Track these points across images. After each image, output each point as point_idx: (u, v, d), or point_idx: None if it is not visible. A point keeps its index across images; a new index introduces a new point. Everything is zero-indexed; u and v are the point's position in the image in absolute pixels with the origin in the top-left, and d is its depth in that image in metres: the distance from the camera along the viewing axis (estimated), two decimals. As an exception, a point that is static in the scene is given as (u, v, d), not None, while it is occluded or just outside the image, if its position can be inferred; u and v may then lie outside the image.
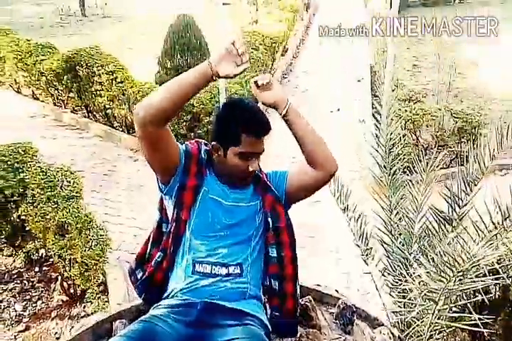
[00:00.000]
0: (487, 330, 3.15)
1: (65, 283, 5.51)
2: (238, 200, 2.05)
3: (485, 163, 3.34)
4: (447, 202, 3.43)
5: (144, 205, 7.07)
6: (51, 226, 5.15)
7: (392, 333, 2.24)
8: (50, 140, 8.91)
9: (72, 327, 5.32)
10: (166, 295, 1.99)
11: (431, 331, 3.35)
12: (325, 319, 2.12)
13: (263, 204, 2.05)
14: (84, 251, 5.01)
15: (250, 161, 2.01)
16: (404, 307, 3.37)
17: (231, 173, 2.05)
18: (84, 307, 5.44)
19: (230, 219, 2.00)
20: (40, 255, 5.65)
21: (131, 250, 6.21)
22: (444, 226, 3.46)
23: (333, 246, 6.10)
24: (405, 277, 3.34)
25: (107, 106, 8.81)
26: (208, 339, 1.66)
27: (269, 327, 1.82)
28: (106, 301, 5.30)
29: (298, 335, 1.92)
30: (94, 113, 9.33)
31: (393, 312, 3.60)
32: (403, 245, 3.66)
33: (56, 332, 5.26)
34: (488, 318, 3.21)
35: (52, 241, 5.18)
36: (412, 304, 3.27)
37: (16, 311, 5.50)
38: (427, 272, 2.93)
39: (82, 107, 9.50)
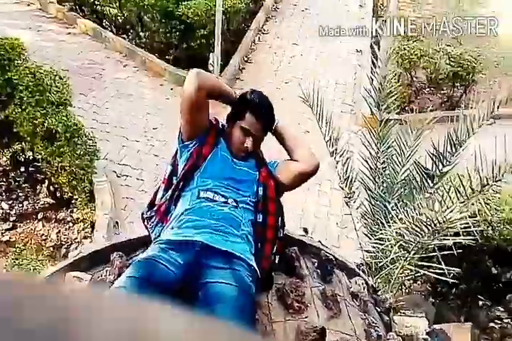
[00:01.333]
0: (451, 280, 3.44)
1: (51, 187, 5.63)
2: (242, 165, 2.33)
3: (473, 126, 3.42)
4: (432, 160, 3.54)
5: (131, 114, 7.08)
6: (39, 131, 5.15)
7: (367, 283, 2.42)
8: (35, 33, 8.52)
9: (59, 230, 5.55)
10: (168, 223, 2.10)
11: (400, 275, 3.63)
12: (307, 267, 2.28)
13: (259, 176, 2.30)
14: (73, 160, 5.08)
15: (247, 139, 2.29)
16: (381, 253, 3.61)
17: (233, 146, 2.32)
18: (71, 212, 5.62)
19: (234, 175, 2.27)
20: (27, 157, 5.67)
21: (118, 160, 6.32)
22: (426, 181, 3.60)
23: (316, 180, 6.27)
24: (383, 224, 3.54)
25: (96, 1, 8.37)
26: (199, 278, 1.85)
27: (258, 271, 1.97)
28: (92, 209, 5.47)
29: (282, 284, 2.07)
30: (82, 7, 8.86)
31: (368, 253, 3.86)
32: (385, 193, 3.83)
33: (43, 234, 5.48)
34: (453, 270, 3.49)
35: (41, 146, 5.21)
36: (387, 251, 3.51)
37: (2, 209, 5.65)
38: (405, 227, 3.12)
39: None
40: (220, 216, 2.06)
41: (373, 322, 2.19)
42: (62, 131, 5.07)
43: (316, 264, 2.31)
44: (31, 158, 5.66)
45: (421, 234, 3.04)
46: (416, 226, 2.87)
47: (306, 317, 2.01)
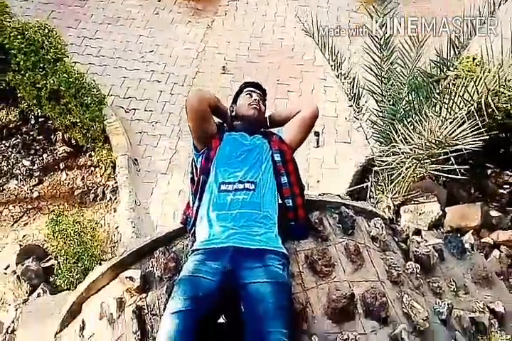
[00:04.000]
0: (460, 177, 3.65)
1: (66, 136, 5.78)
2: (251, 138, 2.57)
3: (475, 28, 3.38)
4: (436, 65, 3.57)
5: (125, 41, 6.89)
6: (44, 94, 5.17)
7: (385, 222, 2.66)
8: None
9: (83, 177, 5.83)
10: (199, 220, 2.34)
11: (411, 176, 3.87)
12: (330, 225, 2.51)
13: (271, 145, 2.53)
14: (83, 114, 5.17)
15: (252, 99, 2.65)
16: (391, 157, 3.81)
17: (242, 114, 2.63)
18: (90, 156, 5.84)
19: (245, 147, 2.51)
20: (36, 114, 5.76)
21: (122, 94, 6.34)
22: (432, 84, 3.65)
23: (322, 75, 6.25)
24: (392, 133, 3.68)
25: None
26: (239, 281, 2.03)
27: (287, 253, 2.22)
28: (109, 150, 5.67)
29: (310, 251, 2.33)
30: None
31: (379, 158, 4.05)
32: (393, 104, 3.91)
33: (68, 183, 5.77)
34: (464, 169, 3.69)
35: (49, 108, 5.27)
36: (396, 153, 3.70)
37: (25, 166, 5.89)
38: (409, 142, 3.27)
39: None
40: (242, 205, 2.27)
41: (393, 263, 2.47)
42: (65, 88, 5.09)
43: (337, 219, 2.54)
44: (40, 114, 5.76)
45: (430, 147, 3.21)
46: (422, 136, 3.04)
47: (334, 277, 2.28)
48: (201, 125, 2.49)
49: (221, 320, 2.17)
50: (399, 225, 2.87)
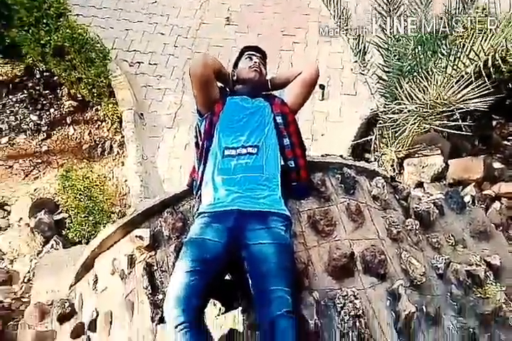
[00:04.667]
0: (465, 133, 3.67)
1: (72, 91, 5.78)
2: (252, 102, 2.61)
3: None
4: (443, 20, 3.50)
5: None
6: (48, 50, 5.14)
7: (386, 181, 2.72)
8: None
9: (90, 131, 5.87)
10: (204, 184, 2.41)
11: (415, 131, 3.90)
12: (332, 185, 2.58)
13: (272, 107, 2.56)
14: (88, 70, 5.15)
15: (252, 62, 2.68)
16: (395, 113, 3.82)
17: (243, 78, 2.66)
18: (97, 110, 5.87)
19: (246, 110, 2.55)
20: (41, 69, 5.74)
21: (126, 47, 6.26)
22: (439, 39, 3.60)
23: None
24: (397, 89, 3.68)
25: None
26: (244, 242, 2.12)
27: (289, 215, 2.31)
28: (115, 104, 5.69)
29: (312, 211, 2.41)
30: None
31: (384, 115, 4.07)
32: (399, 59, 3.87)
33: (76, 138, 5.83)
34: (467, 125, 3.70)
35: (54, 64, 5.25)
36: (401, 110, 3.71)
37: (32, 121, 5.93)
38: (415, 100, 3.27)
39: None
40: (246, 170, 2.33)
41: (393, 222, 2.55)
42: (69, 44, 5.05)
43: (339, 179, 2.60)
44: (45, 69, 5.73)
45: (435, 103, 3.21)
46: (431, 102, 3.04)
47: (336, 236, 2.37)
48: (205, 90, 2.52)
49: (227, 277, 2.29)
50: (400, 183, 2.92)
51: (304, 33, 6.21)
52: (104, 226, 4.45)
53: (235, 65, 2.77)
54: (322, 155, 2.70)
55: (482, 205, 3.65)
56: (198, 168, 2.51)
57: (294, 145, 2.49)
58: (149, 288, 2.48)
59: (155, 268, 2.54)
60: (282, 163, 2.48)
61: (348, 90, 5.56)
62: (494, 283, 2.74)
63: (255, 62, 2.66)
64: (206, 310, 2.16)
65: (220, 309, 2.28)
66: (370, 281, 2.28)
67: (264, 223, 2.19)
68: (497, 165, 4.40)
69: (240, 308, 2.22)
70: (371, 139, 4.54)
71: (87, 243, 4.42)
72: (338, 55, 5.93)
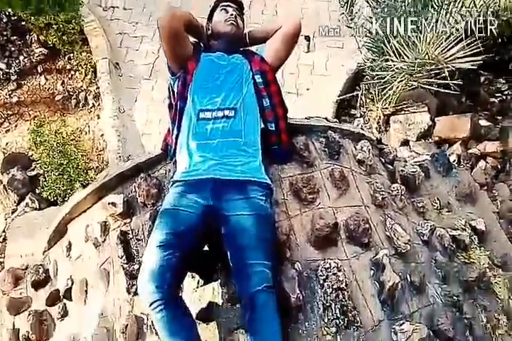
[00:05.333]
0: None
1: (41, 37, 5.43)
2: (229, 59, 2.40)
3: None
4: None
5: None
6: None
7: (372, 144, 2.59)
8: None
9: (63, 81, 5.58)
10: (179, 150, 2.25)
11: (402, 88, 3.74)
12: (315, 149, 2.43)
13: (251, 65, 2.37)
14: (57, 15, 4.81)
15: (228, 14, 2.46)
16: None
17: (218, 32, 2.46)
18: (69, 59, 5.55)
19: (223, 68, 2.35)
20: (6, 13, 5.36)
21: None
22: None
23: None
24: (385, 45, 3.48)
25: None
26: (221, 213, 2.00)
27: (270, 183, 2.18)
28: (89, 53, 5.39)
29: (295, 178, 2.28)
30: None
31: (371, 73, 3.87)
32: (387, 14, 3.62)
33: (49, 88, 5.54)
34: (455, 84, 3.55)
35: (20, 7, 4.83)
36: (389, 67, 3.54)
37: (1, 70, 5.60)
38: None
39: None
40: (223, 135, 2.17)
41: (378, 187, 2.45)
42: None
43: (323, 143, 2.46)
44: (13, 17, 5.35)
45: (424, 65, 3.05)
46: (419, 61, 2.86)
47: (319, 204, 2.27)
48: (175, 45, 2.31)
49: (206, 248, 2.19)
50: (386, 145, 2.79)
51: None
52: (82, 184, 4.31)
53: (210, 18, 2.55)
54: (306, 118, 2.54)
55: (468, 164, 3.56)
56: (172, 132, 2.34)
57: (275, 106, 2.32)
58: (124, 257, 2.38)
59: (130, 236, 2.43)
60: (262, 125, 2.31)
61: (335, 43, 5.29)
62: (478, 248, 2.70)
63: (231, 15, 2.45)
64: (184, 282, 2.08)
65: (198, 282, 2.19)
66: (354, 251, 2.20)
67: (243, 193, 2.06)
68: (483, 122, 4.29)
69: (219, 281, 2.14)
70: (357, 95, 4.37)
71: (62, 202, 4.30)
72: (325, 3, 5.62)
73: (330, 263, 2.06)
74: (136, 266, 2.33)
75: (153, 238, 2.01)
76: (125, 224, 2.48)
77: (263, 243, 1.96)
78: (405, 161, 2.90)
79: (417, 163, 2.92)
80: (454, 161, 3.60)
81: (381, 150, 2.77)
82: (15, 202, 4.67)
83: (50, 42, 5.45)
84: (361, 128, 2.78)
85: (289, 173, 2.35)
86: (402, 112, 4.09)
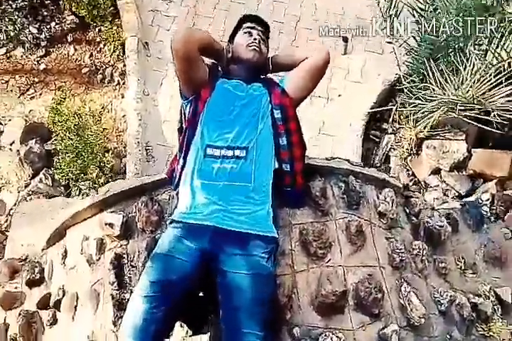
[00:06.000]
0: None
1: (74, 8, 5.23)
2: (247, 89, 2.18)
3: None
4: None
5: None
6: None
7: (397, 191, 2.37)
8: None
9: (91, 54, 5.39)
10: (182, 183, 2.07)
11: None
12: (333, 195, 2.22)
13: (271, 98, 2.16)
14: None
15: (251, 38, 2.23)
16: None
17: (238, 57, 2.24)
18: (100, 31, 5.35)
19: (239, 100, 2.14)
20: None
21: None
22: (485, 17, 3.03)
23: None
24: (426, 71, 3.18)
25: None
26: (218, 265, 1.84)
27: (276, 236, 1.98)
28: (120, 28, 5.18)
29: (306, 228, 2.10)
30: None
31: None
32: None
33: (76, 59, 5.37)
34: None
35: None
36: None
37: (32, 34, 5.45)
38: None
39: None
40: (230, 177, 1.98)
41: (397, 247, 2.25)
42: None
43: (342, 190, 2.26)
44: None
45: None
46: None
47: (329, 261, 2.09)
48: (188, 70, 2.12)
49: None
50: (414, 193, 2.56)
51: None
52: (98, 167, 4.16)
53: (231, 39, 2.34)
54: (326, 158, 2.31)
55: (502, 207, 3.27)
56: (179, 160, 2.16)
57: (293, 145, 2.12)
58: (116, 284, 2.24)
59: (125, 261, 2.29)
60: (276, 165, 2.11)
61: (374, 48, 4.93)
62: (501, 319, 2.48)
63: (255, 39, 2.22)
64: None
65: (187, 331, 2.05)
66: (361, 320, 2.02)
67: (243, 248, 1.88)
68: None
69: (209, 334, 1.99)
70: (391, 109, 4.10)
71: (74, 186, 4.19)
72: (369, 8, 5.18)
73: (332, 338, 1.89)
74: (127, 295, 2.20)
75: (141, 284, 1.87)
76: (121, 246, 2.33)
77: (259, 307, 1.80)
78: (432, 209, 2.68)
79: (445, 212, 2.69)
80: (487, 200, 3.31)
81: (407, 198, 2.54)
82: (29, 175, 4.61)
83: (80, 13, 5.26)
84: (387, 175, 2.53)
85: (301, 220, 2.16)
86: (438, 137, 3.80)
